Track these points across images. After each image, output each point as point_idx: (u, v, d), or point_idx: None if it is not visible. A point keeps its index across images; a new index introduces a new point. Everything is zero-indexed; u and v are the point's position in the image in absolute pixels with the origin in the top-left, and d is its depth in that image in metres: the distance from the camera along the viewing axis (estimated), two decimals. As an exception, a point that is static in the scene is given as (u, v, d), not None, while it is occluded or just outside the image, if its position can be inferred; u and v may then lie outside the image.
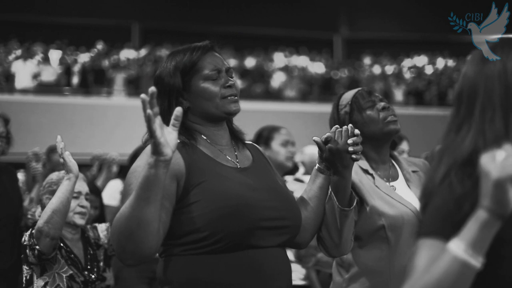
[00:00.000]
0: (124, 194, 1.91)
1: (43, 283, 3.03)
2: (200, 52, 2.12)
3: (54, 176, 3.30)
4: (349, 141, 2.10)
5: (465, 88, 1.41)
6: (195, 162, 1.99)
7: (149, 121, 1.67)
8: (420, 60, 21.36)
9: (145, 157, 1.92)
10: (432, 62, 21.17)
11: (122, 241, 1.78)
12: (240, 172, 2.05)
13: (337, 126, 2.17)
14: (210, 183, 1.95)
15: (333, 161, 2.14)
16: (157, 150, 1.70)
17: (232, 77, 2.13)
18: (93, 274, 3.15)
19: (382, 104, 2.58)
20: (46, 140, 7.93)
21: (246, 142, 2.25)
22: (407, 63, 21.18)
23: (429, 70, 20.55)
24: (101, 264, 3.23)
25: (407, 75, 20.00)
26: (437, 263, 1.23)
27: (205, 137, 2.10)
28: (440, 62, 21.19)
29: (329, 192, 2.18)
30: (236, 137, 2.20)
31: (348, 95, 2.64)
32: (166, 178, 1.77)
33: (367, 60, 21.07)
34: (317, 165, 2.21)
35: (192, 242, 1.91)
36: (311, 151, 6.03)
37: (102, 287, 3.18)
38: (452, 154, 1.36)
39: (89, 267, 3.16)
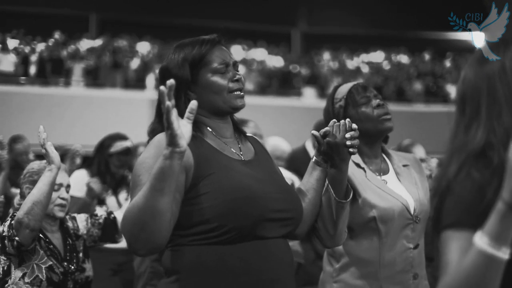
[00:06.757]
0: (134, 185, 1.92)
1: (21, 274, 2.98)
2: (209, 45, 2.15)
3: (35, 165, 3.22)
4: (347, 135, 2.15)
5: (468, 90, 1.46)
6: (203, 154, 2.01)
7: (168, 113, 1.69)
8: (378, 55, 21.61)
9: (153, 148, 1.95)
10: (389, 57, 21.44)
11: (135, 231, 1.79)
12: (245, 165, 2.09)
13: (334, 120, 2.22)
14: (219, 175, 1.97)
15: (331, 154, 2.19)
16: (173, 142, 1.72)
17: (238, 71, 2.17)
18: (72, 265, 3.11)
19: (377, 101, 2.66)
20: (1, 130, 7.80)
21: (247, 134, 2.29)
22: (365, 58, 21.41)
23: (386, 65, 20.81)
24: (81, 255, 3.19)
25: (365, 70, 20.22)
26: (466, 258, 1.24)
27: (210, 130, 2.13)
28: (398, 58, 21.47)
29: (326, 184, 2.23)
30: (238, 129, 2.24)
31: (344, 89, 2.71)
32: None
33: (325, 55, 21.23)
34: (315, 158, 2.26)
35: (200, 233, 1.94)
36: (273, 142, 6.12)
37: (81, 278, 3.14)
38: (463, 151, 1.39)
39: (68, 258, 3.12)
